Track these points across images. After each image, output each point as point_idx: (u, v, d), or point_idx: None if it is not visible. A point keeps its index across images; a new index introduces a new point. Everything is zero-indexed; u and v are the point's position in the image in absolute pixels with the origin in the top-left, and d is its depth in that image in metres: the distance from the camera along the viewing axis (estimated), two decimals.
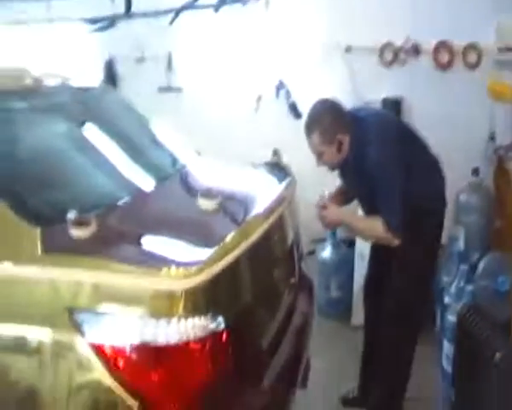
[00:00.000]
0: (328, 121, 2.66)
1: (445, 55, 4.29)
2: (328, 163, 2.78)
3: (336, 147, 2.66)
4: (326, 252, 4.21)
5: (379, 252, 2.91)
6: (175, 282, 1.51)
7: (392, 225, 2.58)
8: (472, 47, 4.21)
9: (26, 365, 1.56)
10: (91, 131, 2.33)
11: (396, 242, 2.62)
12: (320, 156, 2.73)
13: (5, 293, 1.58)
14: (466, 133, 4.26)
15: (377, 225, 2.62)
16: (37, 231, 1.62)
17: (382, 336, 2.80)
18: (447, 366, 2.92)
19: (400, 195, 2.59)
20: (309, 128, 2.70)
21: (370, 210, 2.77)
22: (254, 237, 1.88)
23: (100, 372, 1.51)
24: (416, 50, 4.34)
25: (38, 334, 1.55)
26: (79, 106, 2.44)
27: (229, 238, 1.75)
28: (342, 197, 2.97)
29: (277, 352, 2.09)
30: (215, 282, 1.59)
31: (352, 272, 4.00)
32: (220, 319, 1.62)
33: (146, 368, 1.52)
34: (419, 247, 2.69)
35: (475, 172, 3.98)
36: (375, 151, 2.59)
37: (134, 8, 4.49)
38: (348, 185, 2.91)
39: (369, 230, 2.73)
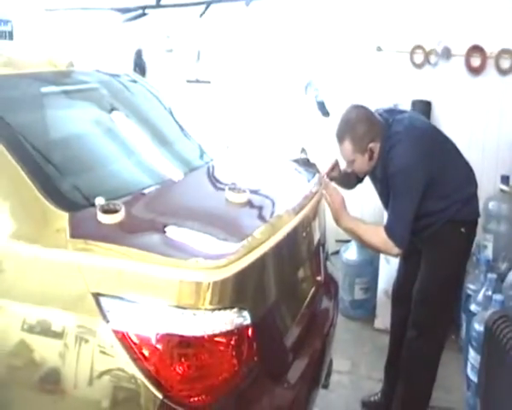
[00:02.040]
0: (362, 130, 2.58)
1: (476, 60, 4.21)
2: (359, 170, 2.74)
3: (368, 155, 2.61)
4: (350, 253, 4.15)
5: (409, 259, 2.84)
6: (202, 273, 1.47)
7: (394, 233, 2.52)
8: (505, 52, 4.13)
9: (49, 347, 1.54)
10: (121, 118, 2.33)
11: (395, 251, 2.57)
12: (351, 164, 2.69)
13: (32, 275, 1.57)
14: (496, 140, 4.20)
15: (379, 231, 2.57)
16: (66, 216, 1.61)
17: (408, 340, 2.74)
18: (472, 375, 2.85)
19: (414, 207, 2.52)
20: (341, 136, 2.62)
21: None
22: (283, 232, 1.85)
23: (123, 360, 1.48)
24: (447, 53, 4.26)
25: (63, 318, 1.53)
26: (110, 92, 2.43)
27: (257, 233, 1.72)
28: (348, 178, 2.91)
29: (301, 350, 2.05)
30: (242, 276, 1.56)
31: (377, 274, 3.94)
32: (246, 313, 1.59)
33: (170, 359, 1.49)
34: (449, 255, 2.63)
35: (505, 179, 3.90)
36: (398, 159, 2.53)
37: (164, 0, 4.49)
38: (376, 190, 2.85)
39: (370, 234, 2.64)
